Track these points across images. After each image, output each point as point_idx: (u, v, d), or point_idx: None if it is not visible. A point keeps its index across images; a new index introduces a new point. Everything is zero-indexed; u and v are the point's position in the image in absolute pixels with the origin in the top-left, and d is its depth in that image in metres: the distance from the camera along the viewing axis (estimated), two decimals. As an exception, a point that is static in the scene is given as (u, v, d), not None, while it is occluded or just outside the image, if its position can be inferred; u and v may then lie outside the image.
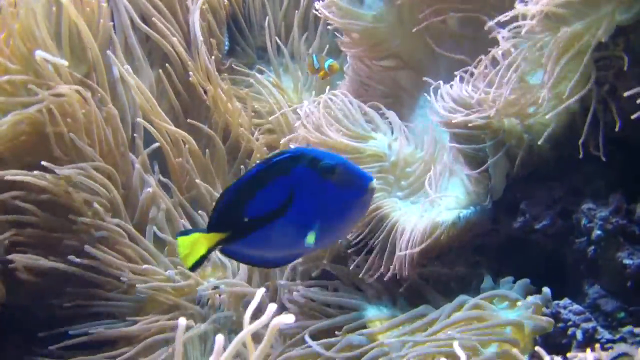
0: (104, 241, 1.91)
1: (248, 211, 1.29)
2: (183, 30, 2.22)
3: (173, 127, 2.09)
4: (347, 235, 1.42)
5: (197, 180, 2.09)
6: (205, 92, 2.16)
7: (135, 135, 2.09)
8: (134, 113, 2.11)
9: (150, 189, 2.03)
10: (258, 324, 0.77)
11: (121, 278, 1.88)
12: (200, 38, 2.14)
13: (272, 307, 0.78)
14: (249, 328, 0.77)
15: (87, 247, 1.87)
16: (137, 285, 1.87)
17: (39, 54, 1.83)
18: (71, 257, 1.86)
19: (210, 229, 1.31)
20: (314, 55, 2.10)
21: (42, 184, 1.83)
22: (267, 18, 2.37)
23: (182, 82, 2.20)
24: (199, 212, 2.09)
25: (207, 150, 2.13)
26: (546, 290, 1.41)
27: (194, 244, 1.31)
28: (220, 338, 0.78)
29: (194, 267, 1.33)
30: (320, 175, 1.24)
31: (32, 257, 1.85)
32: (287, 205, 1.26)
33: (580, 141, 1.35)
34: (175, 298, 1.90)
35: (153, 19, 2.17)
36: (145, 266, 1.91)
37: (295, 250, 1.35)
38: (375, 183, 1.25)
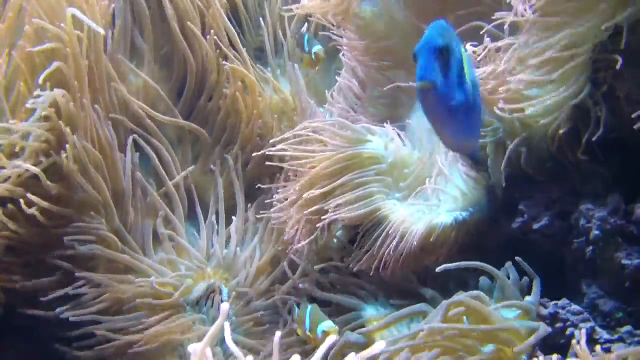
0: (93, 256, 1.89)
1: None
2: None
3: (183, 121, 2.11)
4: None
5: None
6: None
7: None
8: (132, 112, 2.10)
9: (129, 155, 2.00)
10: (216, 326, 0.81)
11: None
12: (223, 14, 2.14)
13: (225, 306, 0.84)
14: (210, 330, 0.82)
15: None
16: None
17: (72, 10, 1.77)
18: (59, 309, 1.81)
19: None
20: (305, 35, 2.04)
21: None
22: (264, 19, 2.35)
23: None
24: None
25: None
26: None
27: None
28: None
29: None
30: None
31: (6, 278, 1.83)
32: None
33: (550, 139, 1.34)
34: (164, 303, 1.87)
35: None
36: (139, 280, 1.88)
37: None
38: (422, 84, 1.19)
